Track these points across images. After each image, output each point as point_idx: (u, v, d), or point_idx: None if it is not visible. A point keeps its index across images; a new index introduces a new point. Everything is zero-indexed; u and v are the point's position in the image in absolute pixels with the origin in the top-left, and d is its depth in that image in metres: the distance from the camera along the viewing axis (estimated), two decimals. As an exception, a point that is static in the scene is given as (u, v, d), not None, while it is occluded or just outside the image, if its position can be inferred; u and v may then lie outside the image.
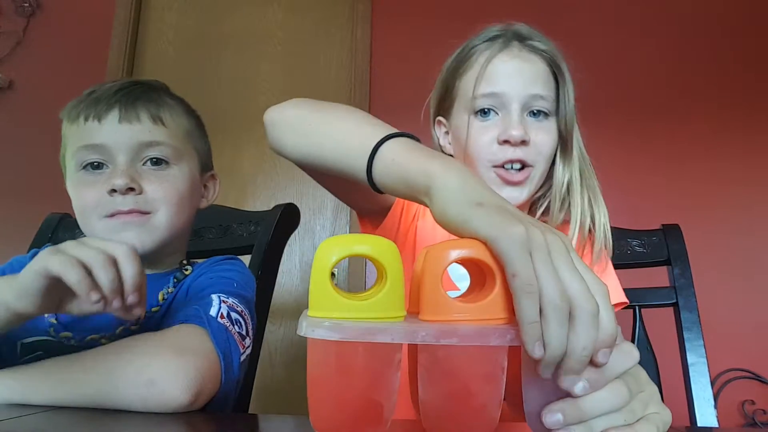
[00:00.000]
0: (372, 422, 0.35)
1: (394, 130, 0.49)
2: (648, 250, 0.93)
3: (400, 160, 0.46)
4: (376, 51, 1.99)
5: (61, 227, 1.02)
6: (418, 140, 0.49)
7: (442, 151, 0.82)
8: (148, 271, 0.74)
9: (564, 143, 0.74)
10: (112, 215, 0.67)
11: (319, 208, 1.96)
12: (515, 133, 0.70)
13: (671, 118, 1.85)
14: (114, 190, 0.65)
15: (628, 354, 0.36)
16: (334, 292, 0.35)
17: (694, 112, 1.84)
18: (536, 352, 0.33)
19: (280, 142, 0.61)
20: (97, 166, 0.68)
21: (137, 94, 0.70)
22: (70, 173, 0.71)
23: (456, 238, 0.38)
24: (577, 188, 0.74)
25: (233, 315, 0.63)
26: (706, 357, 0.86)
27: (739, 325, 1.67)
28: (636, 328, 0.91)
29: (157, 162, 0.69)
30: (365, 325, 0.34)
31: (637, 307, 0.92)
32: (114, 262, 0.49)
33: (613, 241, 0.91)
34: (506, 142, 0.71)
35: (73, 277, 0.46)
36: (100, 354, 0.53)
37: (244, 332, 0.63)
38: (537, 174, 0.73)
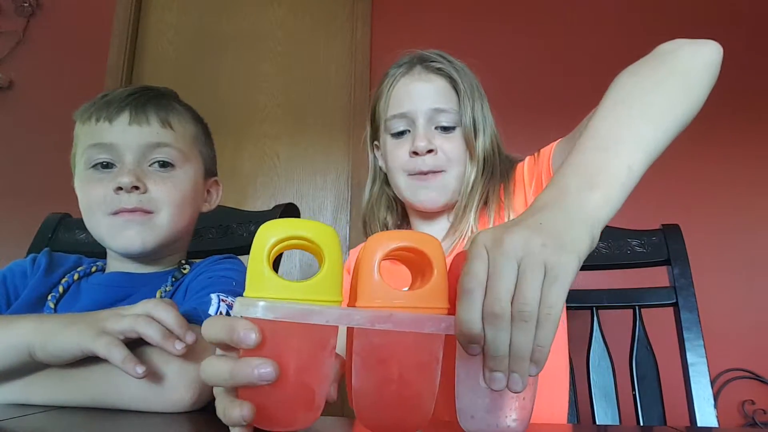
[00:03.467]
0: (304, 407, 0.35)
1: None
2: (648, 250, 0.93)
3: None
4: (376, 51, 1.99)
5: (61, 227, 1.02)
6: None
7: (381, 171, 0.90)
8: (148, 270, 0.74)
9: (469, 147, 0.80)
10: (116, 213, 0.69)
11: (319, 209, 1.96)
12: (420, 144, 0.77)
13: (671, 118, 1.84)
14: (120, 188, 0.68)
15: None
16: (270, 273, 0.35)
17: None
18: (471, 351, 0.34)
19: None
20: (105, 165, 0.70)
21: (147, 98, 0.73)
22: (78, 171, 0.73)
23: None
24: (477, 183, 0.80)
25: (232, 314, 0.63)
26: (706, 357, 0.86)
27: (739, 325, 1.67)
28: (636, 328, 0.91)
29: (163, 165, 0.72)
30: (301, 306, 0.34)
31: (637, 307, 0.92)
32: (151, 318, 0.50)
33: (612, 242, 0.91)
34: (415, 153, 0.78)
35: (117, 357, 0.47)
36: None
37: None
38: (451, 178, 0.80)
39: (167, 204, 0.71)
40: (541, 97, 1.84)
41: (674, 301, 0.90)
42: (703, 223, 1.70)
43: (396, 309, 0.35)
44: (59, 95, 2.02)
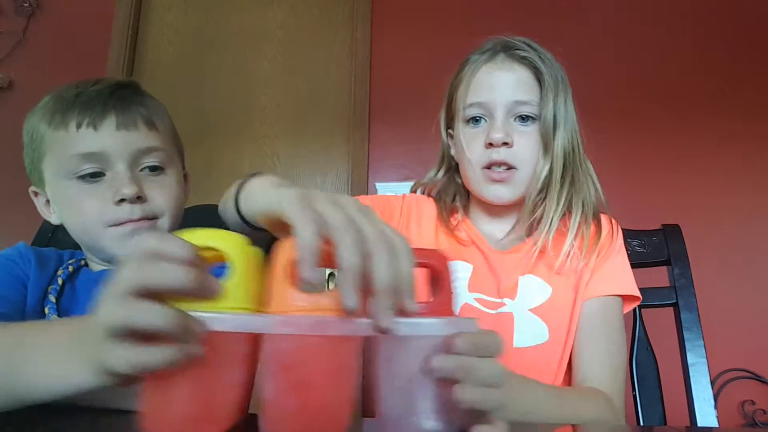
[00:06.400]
0: (210, 418, 0.35)
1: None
2: (648, 250, 0.93)
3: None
4: (376, 51, 1.99)
5: (61, 228, 1.02)
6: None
7: (452, 160, 0.87)
8: None
9: (545, 143, 0.77)
10: (120, 224, 0.66)
11: (319, 208, 1.96)
12: (496, 136, 0.75)
13: (672, 118, 1.84)
14: (123, 200, 0.65)
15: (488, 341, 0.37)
16: None
17: (694, 112, 1.84)
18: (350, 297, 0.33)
19: None
20: (93, 174, 0.67)
21: (129, 98, 0.70)
22: (55, 181, 0.70)
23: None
24: (555, 184, 0.77)
25: None
26: (706, 357, 0.86)
27: (739, 325, 1.67)
28: (636, 328, 0.91)
29: (153, 168, 0.70)
30: (203, 314, 0.33)
31: (637, 307, 0.92)
32: None
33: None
34: (491, 144, 0.76)
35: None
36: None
37: None
38: (522, 176, 0.78)
39: (167, 209, 0.70)
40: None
41: (674, 301, 0.90)
42: (703, 223, 1.70)
43: (300, 313, 0.34)
44: (59, 95, 2.02)
